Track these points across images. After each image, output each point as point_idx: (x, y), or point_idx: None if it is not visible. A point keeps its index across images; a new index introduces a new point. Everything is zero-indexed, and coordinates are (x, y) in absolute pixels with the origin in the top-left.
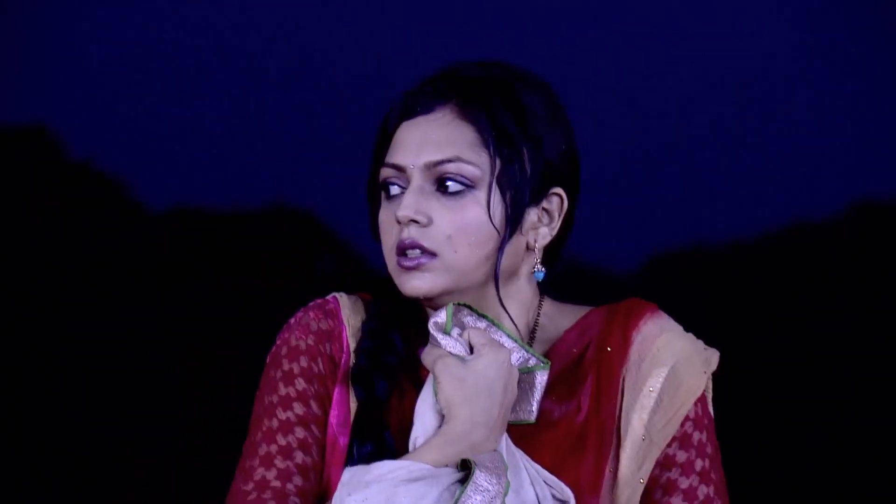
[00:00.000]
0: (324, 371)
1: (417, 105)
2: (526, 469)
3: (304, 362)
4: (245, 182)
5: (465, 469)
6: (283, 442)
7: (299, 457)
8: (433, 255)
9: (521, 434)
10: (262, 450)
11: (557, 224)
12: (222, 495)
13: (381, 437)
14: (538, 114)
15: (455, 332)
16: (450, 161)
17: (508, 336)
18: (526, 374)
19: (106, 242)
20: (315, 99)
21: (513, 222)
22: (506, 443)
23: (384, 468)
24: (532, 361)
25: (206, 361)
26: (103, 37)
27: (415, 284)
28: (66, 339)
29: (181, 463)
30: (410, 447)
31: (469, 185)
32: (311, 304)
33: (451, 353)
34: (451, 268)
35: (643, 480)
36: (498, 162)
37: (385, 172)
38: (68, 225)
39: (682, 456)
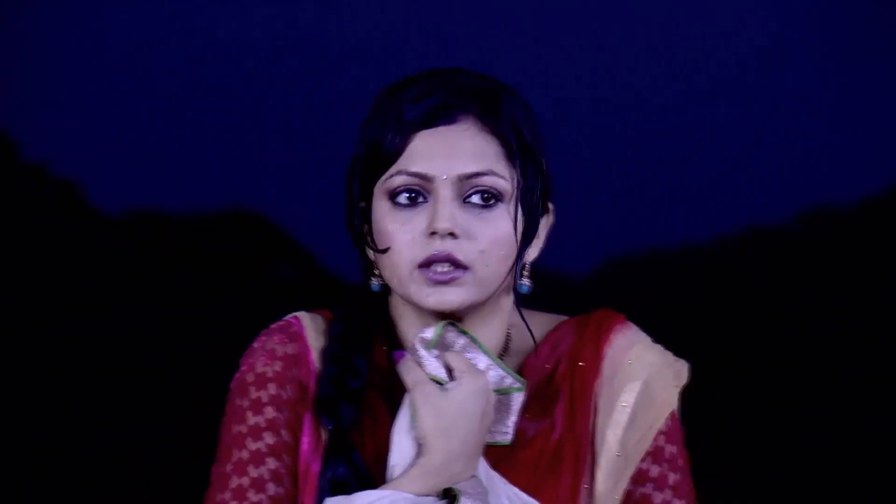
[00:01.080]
0: (294, 397)
1: (436, 115)
2: (506, 493)
3: (272, 390)
4: (202, 186)
5: (448, 497)
6: (255, 474)
7: (272, 489)
8: (465, 268)
9: (497, 455)
10: (234, 482)
11: (544, 238)
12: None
13: (353, 463)
14: (539, 125)
15: (434, 352)
16: (485, 174)
17: (486, 354)
18: (502, 396)
19: (62, 246)
20: (272, 102)
21: (530, 237)
22: (483, 467)
23: (366, 498)
24: (508, 381)
25: (161, 364)
26: (59, 39)
27: (446, 299)
28: (20, 342)
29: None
30: (388, 474)
31: (500, 198)
32: (273, 326)
33: (431, 373)
34: (481, 282)
35: (619, 497)
36: (520, 176)
37: (402, 180)
38: (24, 228)
39: (655, 470)
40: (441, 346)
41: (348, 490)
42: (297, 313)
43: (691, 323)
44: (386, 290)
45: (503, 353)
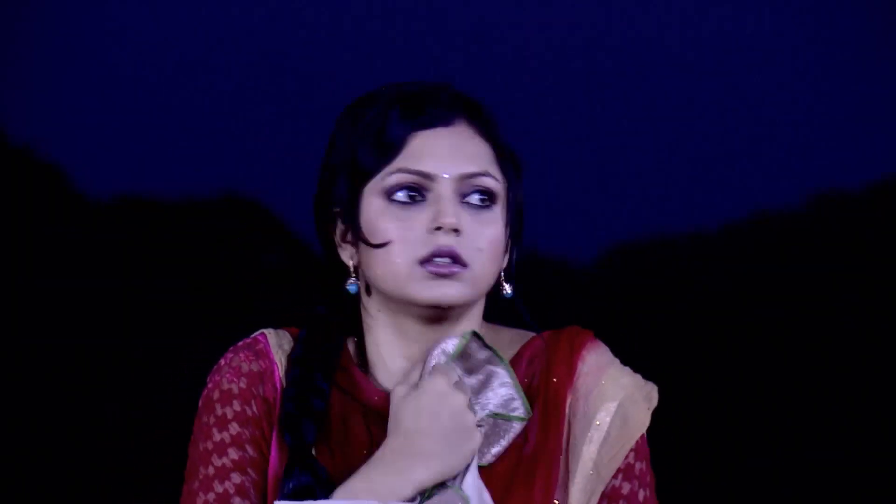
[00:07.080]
0: (258, 413)
1: (434, 116)
2: None
3: (237, 406)
4: (193, 171)
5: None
6: (220, 489)
7: (237, 502)
8: (465, 265)
9: None
10: (200, 499)
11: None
12: None
13: (317, 473)
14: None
15: (452, 363)
16: (483, 175)
17: (507, 372)
18: (501, 420)
19: (46, 230)
20: (264, 90)
21: (517, 241)
22: (474, 481)
23: None
24: (515, 405)
25: (148, 350)
26: (45, 24)
27: (447, 292)
28: (4, 327)
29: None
30: None
31: (494, 200)
32: (240, 344)
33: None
34: (476, 281)
35: None
36: (508, 181)
37: (403, 178)
38: (7, 212)
39: (626, 487)
40: (464, 357)
41: (313, 495)
42: (264, 330)
43: (697, 309)
44: (358, 294)
45: None
